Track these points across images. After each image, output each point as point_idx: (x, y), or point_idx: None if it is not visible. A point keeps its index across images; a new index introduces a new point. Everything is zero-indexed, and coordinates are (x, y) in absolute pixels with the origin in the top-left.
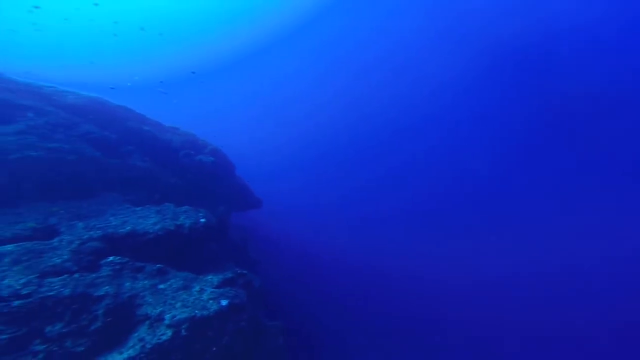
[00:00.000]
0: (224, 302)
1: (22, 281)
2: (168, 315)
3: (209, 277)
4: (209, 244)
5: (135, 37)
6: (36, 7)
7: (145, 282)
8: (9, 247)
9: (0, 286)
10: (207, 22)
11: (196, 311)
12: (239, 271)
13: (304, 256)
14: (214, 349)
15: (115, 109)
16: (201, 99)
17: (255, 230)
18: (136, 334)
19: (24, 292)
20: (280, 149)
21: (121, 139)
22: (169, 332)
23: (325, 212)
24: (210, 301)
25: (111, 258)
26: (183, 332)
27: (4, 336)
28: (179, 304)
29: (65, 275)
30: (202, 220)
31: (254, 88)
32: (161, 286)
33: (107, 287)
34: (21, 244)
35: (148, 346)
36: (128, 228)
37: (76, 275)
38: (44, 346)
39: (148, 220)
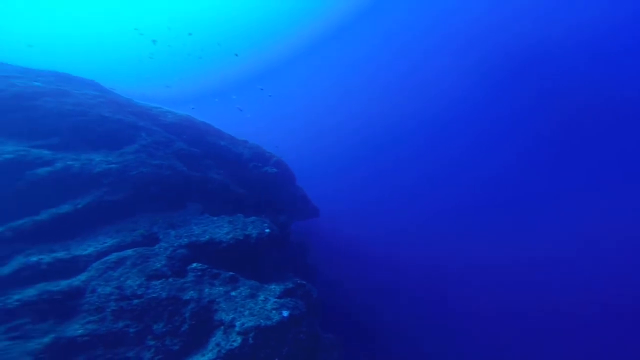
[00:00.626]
0: (285, 313)
1: (137, 282)
2: (238, 323)
3: (272, 287)
4: (272, 252)
5: (215, 57)
6: (154, 41)
7: (220, 288)
8: (129, 252)
9: (124, 286)
10: (265, 30)
11: (261, 320)
12: (298, 281)
13: (361, 261)
14: (276, 359)
15: (199, 124)
16: (261, 104)
17: (313, 236)
18: (214, 338)
19: (139, 292)
20: (331, 149)
21: (203, 153)
22: (239, 339)
23: (379, 213)
24: (273, 311)
25: (194, 265)
26: (250, 340)
27: (132, 329)
28: (247, 312)
29: (163, 279)
30: (267, 230)
31: (301, 89)
32: (233, 293)
33: (191, 292)
34: (137, 249)
35: (223, 351)
36: (207, 237)
37: (170, 280)
38: (154, 342)
39: (222, 229)
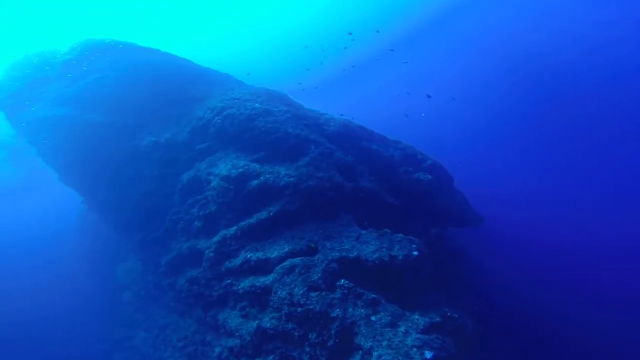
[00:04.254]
0: (428, 355)
1: (301, 292)
2: (376, 353)
3: (415, 317)
4: (420, 274)
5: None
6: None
7: (362, 310)
8: (297, 260)
9: (293, 293)
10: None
11: (399, 357)
12: (448, 313)
13: (539, 267)
14: None
15: (355, 129)
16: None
17: (477, 242)
18: None
19: (302, 301)
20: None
21: (356, 160)
22: None
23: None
24: (414, 349)
25: (342, 281)
26: None
27: (296, 333)
28: (385, 342)
29: (318, 292)
30: (415, 253)
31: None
32: (373, 318)
33: (338, 310)
34: (302, 258)
35: None
36: (355, 253)
37: (323, 293)
38: (309, 349)
39: (369, 247)
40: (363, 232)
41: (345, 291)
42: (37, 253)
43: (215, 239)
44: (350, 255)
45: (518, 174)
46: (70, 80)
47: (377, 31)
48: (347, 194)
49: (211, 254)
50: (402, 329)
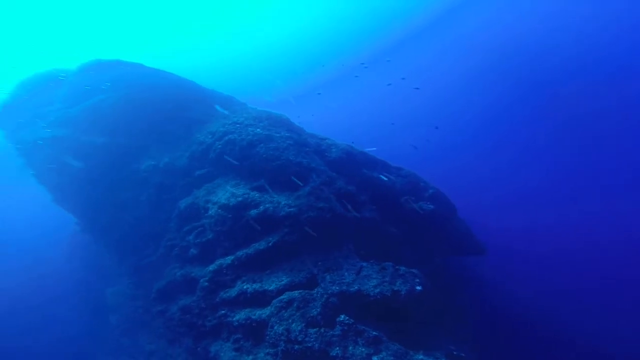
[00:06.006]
0: None
1: (299, 328)
2: None
3: (419, 358)
4: (423, 310)
5: None
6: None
7: (363, 349)
8: (295, 294)
9: (291, 329)
10: None
11: None
12: (454, 352)
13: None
14: None
15: (357, 155)
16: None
17: (474, 276)
18: None
19: (299, 338)
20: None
21: (357, 189)
22: None
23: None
24: None
25: (342, 317)
26: None
27: None
28: None
29: (317, 329)
30: (418, 287)
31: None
32: (374, 358)
33: (337, 348)
34: (301, 291)
35: None
36: (356, 287)
37: (322, 330)
38: None
39: (370, 281)
40: (364, 264)
41: (345, 328)
42: (21, 269)
43: (211, 267)
44: (351, 289)
45: (516, 180)
46: (74, 100)
47: (388, 60)
48: (348, 224)
49: (206, 283)
50: None
